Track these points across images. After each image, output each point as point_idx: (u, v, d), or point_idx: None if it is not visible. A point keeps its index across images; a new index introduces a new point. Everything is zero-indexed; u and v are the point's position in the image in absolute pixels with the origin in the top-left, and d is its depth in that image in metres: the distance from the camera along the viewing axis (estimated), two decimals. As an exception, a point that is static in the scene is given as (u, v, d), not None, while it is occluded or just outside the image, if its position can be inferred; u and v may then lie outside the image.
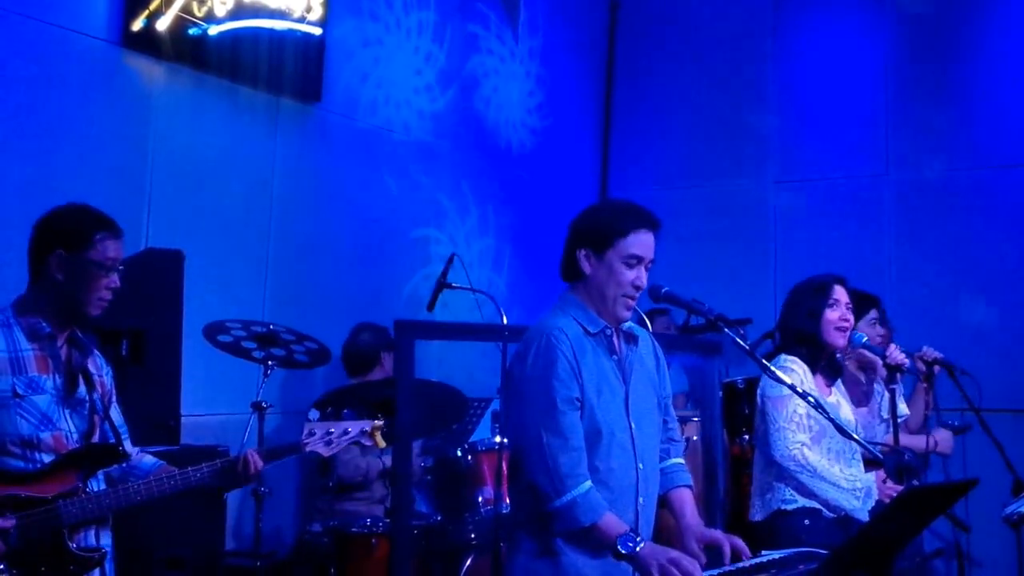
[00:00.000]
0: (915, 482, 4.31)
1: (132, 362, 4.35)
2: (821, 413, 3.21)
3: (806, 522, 3.88)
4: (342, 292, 5.84)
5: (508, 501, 3.58)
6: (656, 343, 3.29)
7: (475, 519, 4.69)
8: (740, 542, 2.98)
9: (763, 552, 3.11)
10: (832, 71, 7.40)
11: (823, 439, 3.93)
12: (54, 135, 4.56)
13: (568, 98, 7.82)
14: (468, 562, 4.60)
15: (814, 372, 4.03)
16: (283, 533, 5.46)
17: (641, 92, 7.96)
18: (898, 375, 4.44)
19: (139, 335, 4.38)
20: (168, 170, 5.00)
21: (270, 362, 4.61)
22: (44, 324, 2.99)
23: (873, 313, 4.85)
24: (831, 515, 3.91)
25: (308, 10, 5.49)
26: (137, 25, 4.81)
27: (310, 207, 5.74)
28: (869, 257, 6.99)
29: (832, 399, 4.07)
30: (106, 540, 3.06)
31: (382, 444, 3.46)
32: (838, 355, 4.14)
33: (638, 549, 2.82)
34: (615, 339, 3.10)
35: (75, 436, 3.00)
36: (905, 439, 4.64)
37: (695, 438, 5.08)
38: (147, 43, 4.86)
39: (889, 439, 4.47)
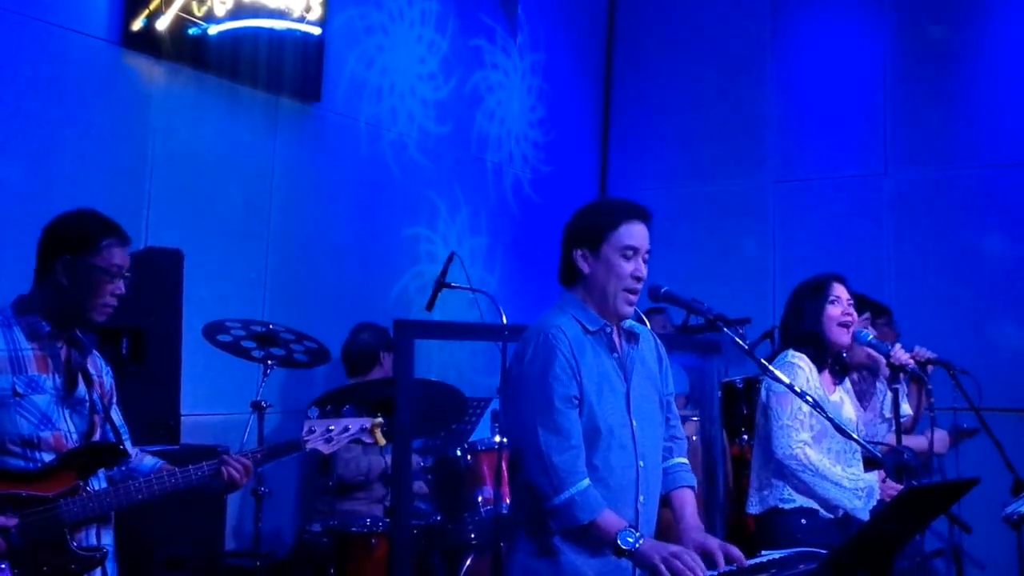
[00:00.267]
0: (915, 482, 4.31)
1: (132, 361, 4.35)
2: (820, 412, 3.21)
3: (803, 521, 3.88)
4: (342, 292, 5.84)
5: (509, 501, 3.58)
6: (658, 341, 3.29)
7: (475, 519, 4.69)
8: (736, 551, 2.93)
9: (762, 552, 3.10)
10: (831, 71, 7.40)
11: (824, 439, 3.93)
12: (54, 134, 4.56)
13: (567, 98, 7.81)
14: (468, 562, 4.60)
15: (820, 370, 4.03)
16: (283, 533, 5.46)
17: (640, 92, 7.97)
18: (901, 375, 4.44)
19: (139, 334, 4.39)
20: (168, 169, 5.01)
21: (270, 361, 4.62)
22: (44, 324, 2.99)
23: (866, 314, 4.83)
24: (828, 515, 3.91)
25: (307, 10, 5.49)
26: (137, 25, 4.81)
27: (310, 206, 5.74)
28: (869, 257, 6.99)
29: (835, 397, 4.07)
30: (107, 539, 3.06)
31: (382, 441, 3.45)
32: (844, 354, 4.14)
33: (638, 545, 2.82)
34: (615, 337, 3.10)
35: (75, 436, 3.00)
36: (906, 439, 4.64)
37: (694, 438, 5.08)
38: (147, 43, 4.86)
39: (891, 438, 4.47)
